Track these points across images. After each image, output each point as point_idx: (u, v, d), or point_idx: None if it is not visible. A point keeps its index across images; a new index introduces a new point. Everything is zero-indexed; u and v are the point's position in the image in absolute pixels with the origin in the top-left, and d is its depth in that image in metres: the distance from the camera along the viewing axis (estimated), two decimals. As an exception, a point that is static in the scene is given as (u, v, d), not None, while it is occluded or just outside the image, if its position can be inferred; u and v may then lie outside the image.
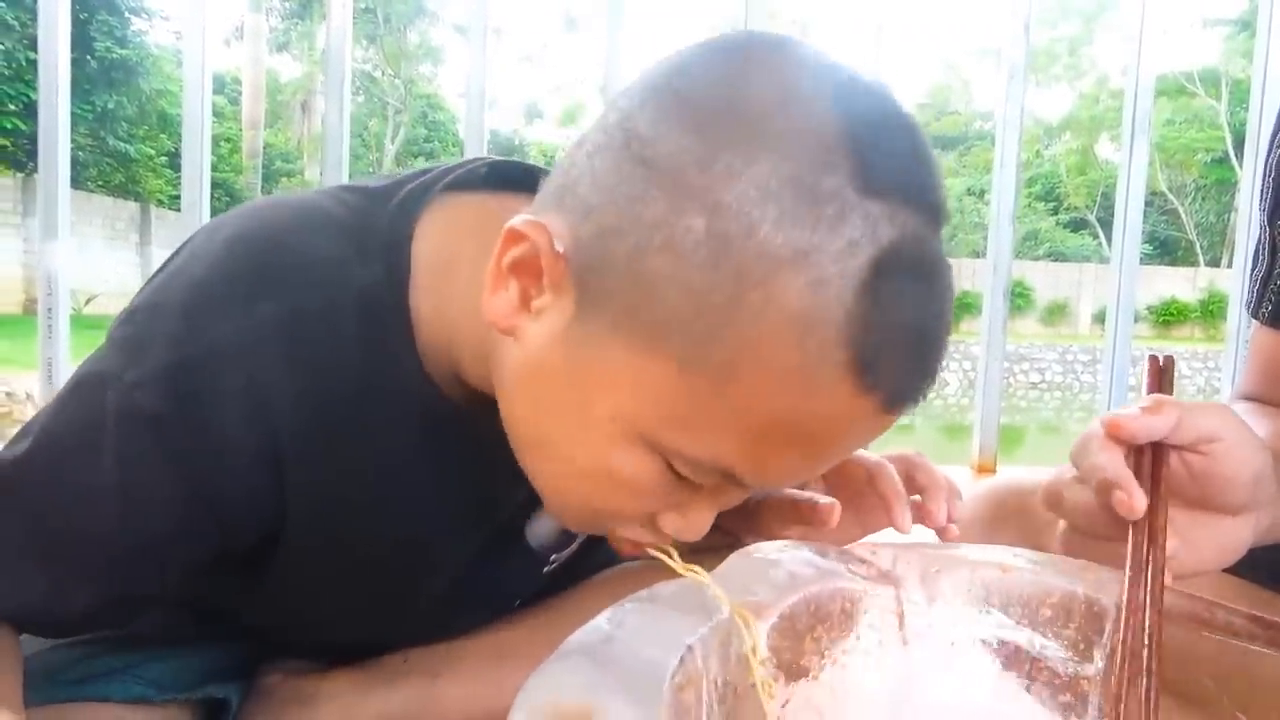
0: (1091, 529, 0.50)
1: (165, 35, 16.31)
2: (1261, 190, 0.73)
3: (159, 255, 17.34)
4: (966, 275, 23.81)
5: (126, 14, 13.78)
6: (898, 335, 0.42)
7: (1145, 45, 2.28)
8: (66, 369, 2.01)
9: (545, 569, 0.71)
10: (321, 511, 0.55)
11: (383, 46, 22.98)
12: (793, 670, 0.45)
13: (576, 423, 0.46)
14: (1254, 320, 0.74)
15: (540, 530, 0.66)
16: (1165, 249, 24.64)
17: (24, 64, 11.78)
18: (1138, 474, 0.48)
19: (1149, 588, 0.46)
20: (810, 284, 0.40)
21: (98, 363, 0.51)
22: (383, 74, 23.56)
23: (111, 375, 0.49)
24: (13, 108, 11.91)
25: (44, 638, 0.59)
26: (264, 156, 19.13)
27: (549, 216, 0.46)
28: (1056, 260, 24.10)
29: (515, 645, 0.69)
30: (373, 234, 0.54)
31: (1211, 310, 18.95)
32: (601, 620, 0.40)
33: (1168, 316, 19.87)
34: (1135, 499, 0.47)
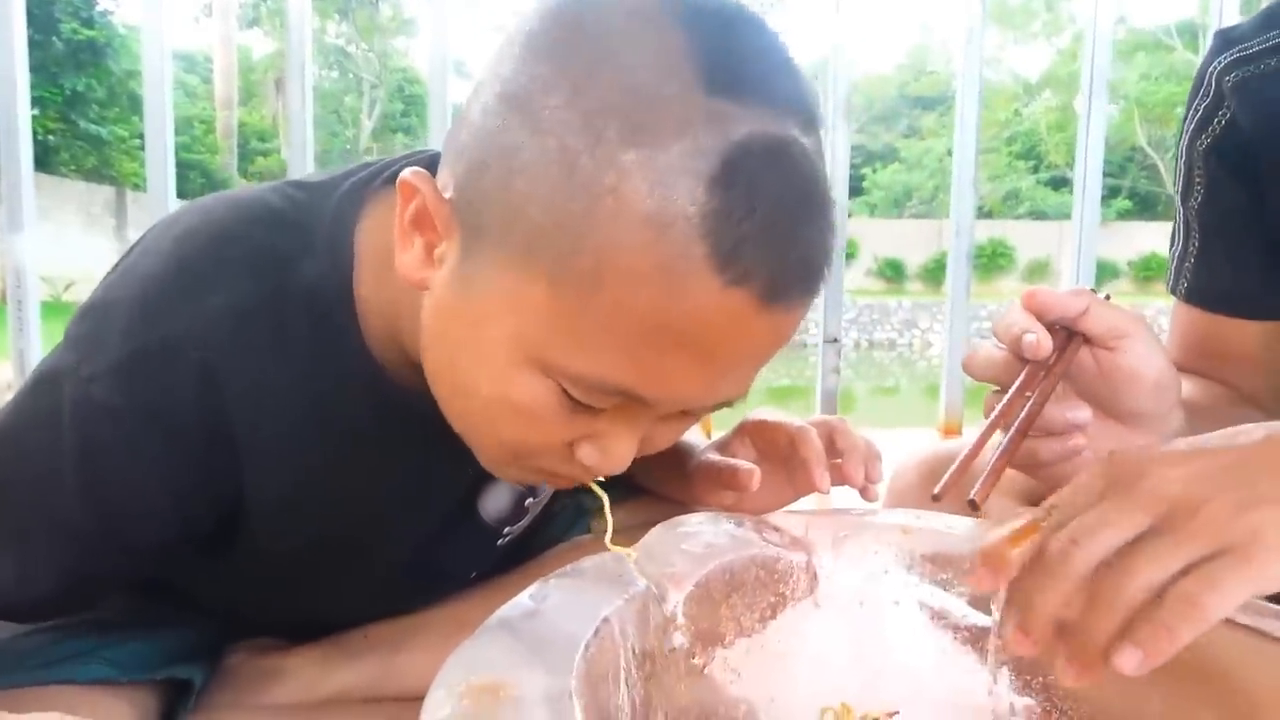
0: (1000, 381, 0.53)
1: (133, 14, 16.01)
2: (1175, 171, 0.76)
3: (136, 238, 17.11)
4: (949, 236, 23.90)
5: (91, -7, 13.53)
6: (755, 225, 0.42)
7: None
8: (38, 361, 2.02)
9: (499, 542, 0.73)
10: (278, 495, 0.57)
11: (355, 20, 22.65)
12: (710, 636, 0.48)
13: (477, 357, 0.48)
14: (1173, 296, 0.77)
15: (491, 504, 0.68)
16: (1146, 204, 24.73)
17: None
18: (1062, 354, 0.52)
19: (1023, 410, 0.50)
20: (659, 184, 0.42)
21: (55, 360, 0.53)
22: (356, 48, 23.25)
23: (68, 370, 0.51)
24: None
25: (14, 623, 0.62)
26: (239, 136, 18.90)
27: (441, 170, 0.50)
28: (1037, 219, 24.18)
29: (471, 618, 0.71)
30: (317, 228, 0.56)
31: (1191, 264, 19.06)
32: (525, 596, 0.43)
33: (1148, 272, 20.00)
34: (1041, 338, 0.51)
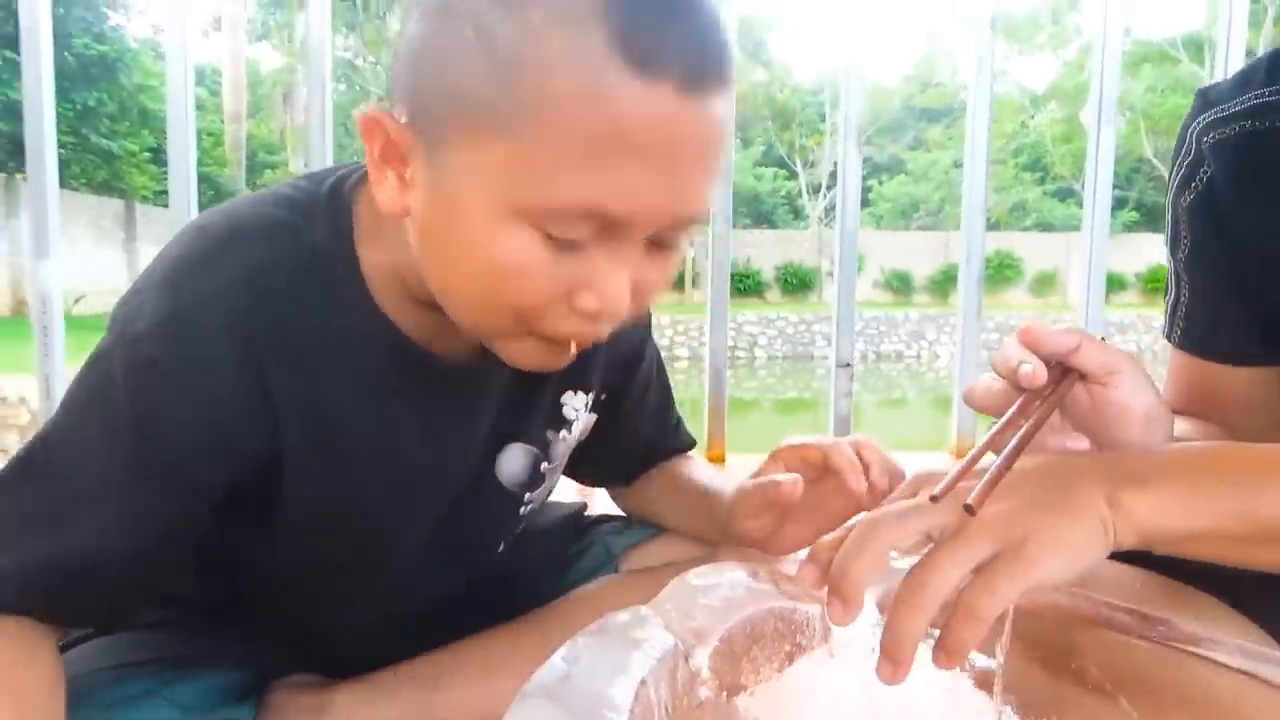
0: (999, 411, 0.57)
1: (143, 29, 16.15)
2: (1164, 223, 0.79)
3: (145, 252, 17.23)
4: (955, 249, 23.88)
5: (103, 8, 13.66)
6: (656, 21, 0.48)
7: (1113, 10, 2.29)
8: (63, 382, 2.05)
9: (522, 510, 0.76)
10: (307, 442, 0.62)
11: (362, 34, 22.82)
12: (732, 688, 0.50)
13: (463, 238, 0.52)
14: (1168, 342, 0.80)
15: (508, 468, 0.72)
16: (1153, 216, 24.73)
17: (0, 63, 11.69)
18: (1048, 388, 0.56)
19: (1015, 439, 0.53)
20: (565, 17, 0.47)
21: (102, 342, 0.58)
22: (364, 61, 23.41)
23: (115, 341, 0.57)
24: (-8, 108, 11.85)
25: (90, 625, 0.65)
26: (247, 149, 19.02)
27: (395, 107, 0.55)
28: (1044, 230, 24.17)
29: (504, 656, 0.75)
30: (316, 205, 0.62)
31: (1198, 276, 19.01)
32: (558, 659, 0.45)
33: (1155, 284, 19.98)
34: (1037, 368, 0.54)
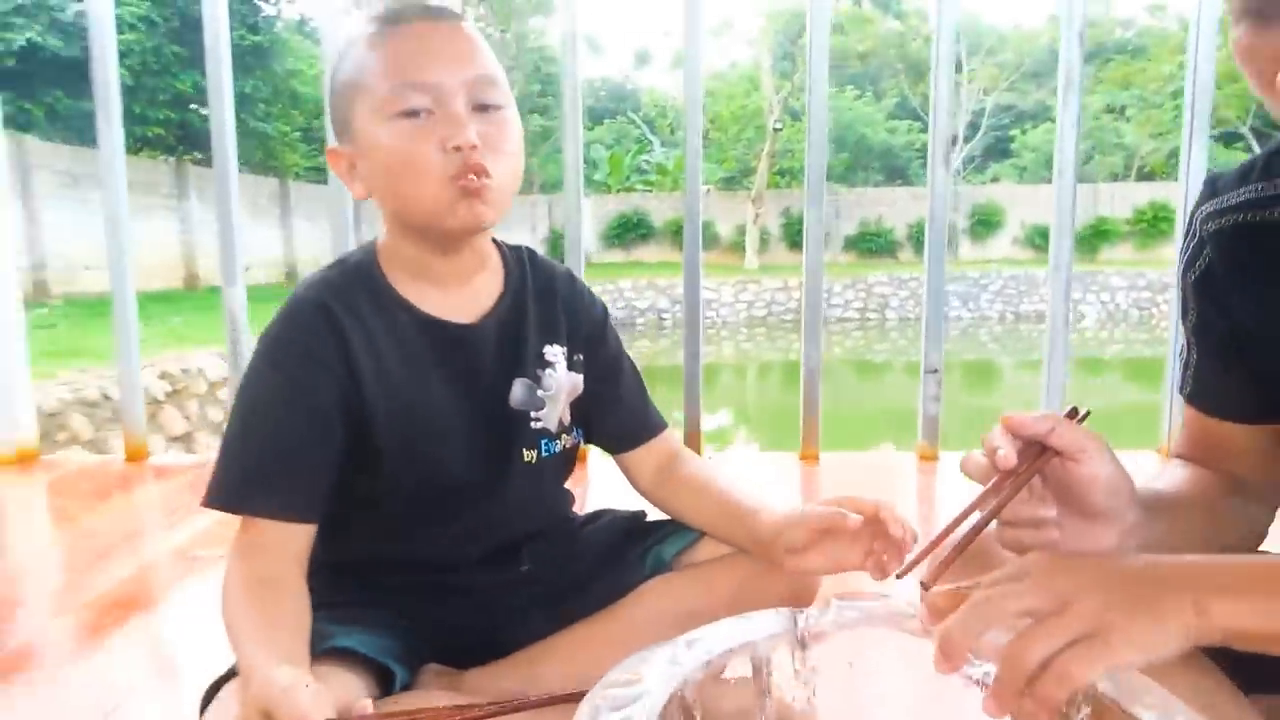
0: (985, 481, 0.68)
1: (291, 14, 17.01)
2: (1177, 293, 0.85)
3: (299, 226, 18.26)
4: (1105, 201, 22.55)
5: (256, 0, 14.49)
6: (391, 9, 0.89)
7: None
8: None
9: (533, 425, 0.98)
10: (382, 403, 0.89)
11: (492, 4, 23.30)
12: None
13: (382, 160, 0.86)
14: (1181, 396, 0.88)
15: (515, 397, 0.97)
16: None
17: (170, 57, 12.63)
18: (1023, 464, 0.67)
19: (988, 510, 0.65)
20: (361, 38, 0.88)
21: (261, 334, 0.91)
22: (496, 31, 23.92)
23: (267, 328, 0.90)
24: (163, 98, 12.85)
25: (297, 513, 0.86)
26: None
27: (334, 143, 0.93)
28: (1206, 177, 22.44)
29: (589, 642, 0.96)
30: (352, 253, 0.97)
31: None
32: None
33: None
34: (1008, 453, 0.65)
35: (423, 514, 0.94)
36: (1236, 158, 21.39)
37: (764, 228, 21.10)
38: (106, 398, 5.41)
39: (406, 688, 0.86)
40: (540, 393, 0.98)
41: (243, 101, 13.78)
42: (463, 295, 0.95)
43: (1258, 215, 0.76)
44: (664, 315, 18.19)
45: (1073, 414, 0.72)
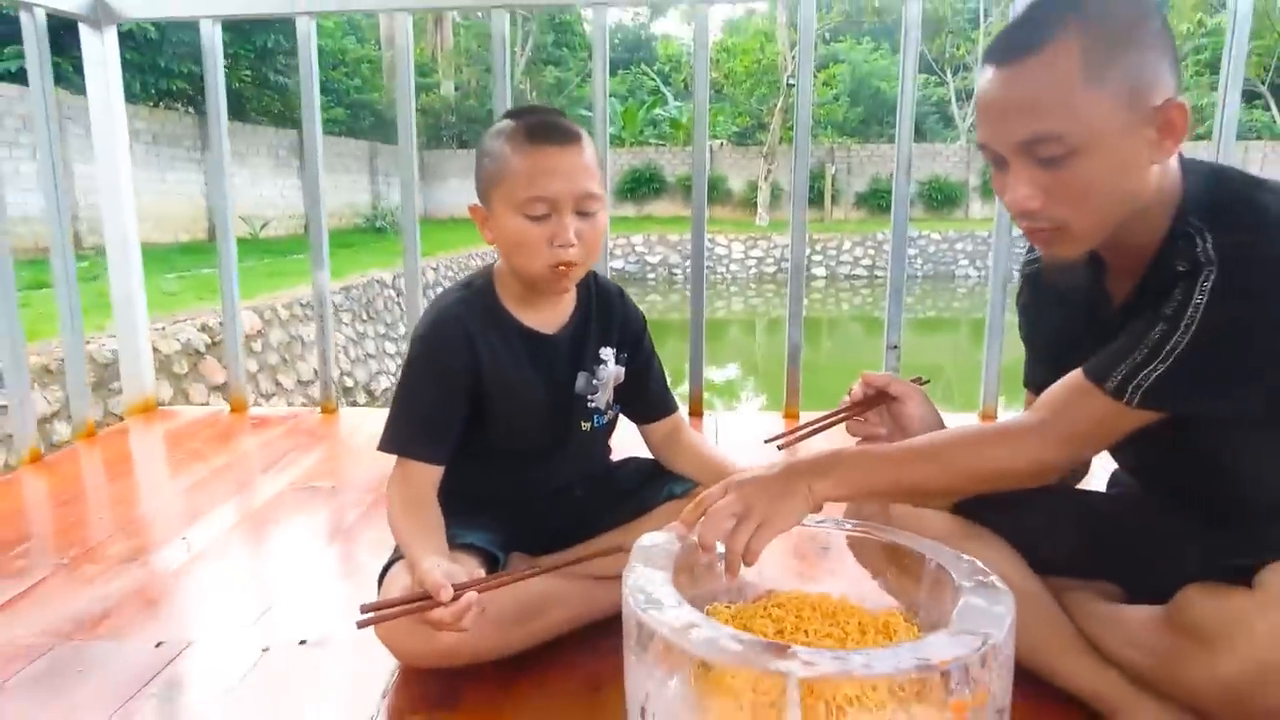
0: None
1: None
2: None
3: (321, 179, 18.21)
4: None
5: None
6: (535, 120, 1.23)
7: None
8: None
9: (589, 404, 1.38)
10: (494, 387, 1.28)
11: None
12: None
13: (506, 234, 1.22)
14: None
15: (579, 383, 1.36)
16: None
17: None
18: (872, 401, 1.18)
19: (835, 417, 1.17)
20: (505, 144, 1.22)
21: (412, 337, 1.31)
22: (509, -18, 23.65)
23: (415, 333, 1.30)
24: (185, 51, 13.00)
25: (436, 456, 1.27)
26: (403, 75, 19.66)
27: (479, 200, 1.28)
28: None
29: (620, 542, 1.27)
30: (475, 278, 1.35)
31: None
32: (644, 540, 0.96)
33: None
34: (859, 391, 1.18)
35: (514, 462, 1.35)
36: (1257, 118, 21.15)
37: (775, 183, 21.13)
38: (156, 350, 5.76)
39: (504, 567, 1.26)
40: (595, 381, 1.36)
41: (264, 55, 13.89)
42: (549, 314, 1.33)
43: (1037, 266, 1.18)
44: (675, 270, 18.44)
45: (918, 380, 1.19)
